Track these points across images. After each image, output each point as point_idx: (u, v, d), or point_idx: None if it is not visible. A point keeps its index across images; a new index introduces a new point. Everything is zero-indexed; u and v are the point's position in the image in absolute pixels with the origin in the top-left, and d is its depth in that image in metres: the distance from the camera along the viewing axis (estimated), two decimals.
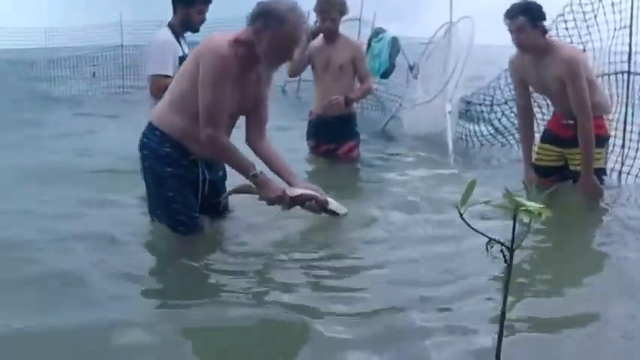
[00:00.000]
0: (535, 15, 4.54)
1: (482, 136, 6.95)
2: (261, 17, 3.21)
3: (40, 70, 14.20)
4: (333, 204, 3.64)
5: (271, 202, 3.42)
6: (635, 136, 5.52)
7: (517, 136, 6.63)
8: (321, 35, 5.72)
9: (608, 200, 4.64)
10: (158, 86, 4.22)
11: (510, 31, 4.59)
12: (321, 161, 5.76)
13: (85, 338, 2.53)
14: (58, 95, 12.67)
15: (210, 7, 4.56)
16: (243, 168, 3.36)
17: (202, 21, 4.58)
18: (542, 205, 1.89)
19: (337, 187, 4.46)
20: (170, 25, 4.53)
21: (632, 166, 5.41)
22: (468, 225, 1.90)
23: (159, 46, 4.47)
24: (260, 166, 3.51)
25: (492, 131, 6.90)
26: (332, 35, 5.62)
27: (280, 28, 3.17)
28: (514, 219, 1.91)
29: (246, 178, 3.37)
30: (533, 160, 4.89)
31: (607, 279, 3.19)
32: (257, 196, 3.45)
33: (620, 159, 5.39)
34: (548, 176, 4.74)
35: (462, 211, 1.87)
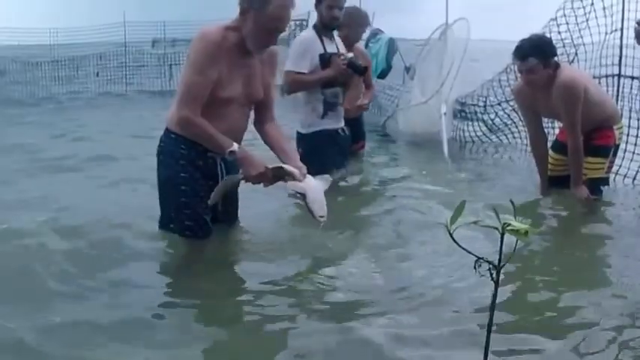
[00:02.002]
0: (547, 54, 4.41)
1: (477, 136, 7.08)
2: None
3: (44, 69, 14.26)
4: (314, 197, 3.29)
5: (254, 180, 3.27)
6: (624, 137, 5.66)
7: (510, 136, 6.82)
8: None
9: (599, 205, 4.75)
10: (290, 82, 4.77)
11: (520, 70, 4.50)
12: None
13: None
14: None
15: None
16: (220, 147, 3.25)
17: (333, 17, 4.77)
18: (527, 225, 2.04)
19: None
20: (315, 25, 4.85)
21: (620, 166, 5.55)
22: (458, 244, 2.02)
23: (296, 44, 4.86)
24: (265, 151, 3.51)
25: (486, 131, 7.03)
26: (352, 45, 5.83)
27: (264, 8, 3.16)
28: (501, 238, 2.04)
29: (225, 156, 3.27)
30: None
31: (594, 290, 3.23)
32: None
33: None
34: (560, 185, 4.80)
35: (451, 231, 1.99)
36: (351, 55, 4.86)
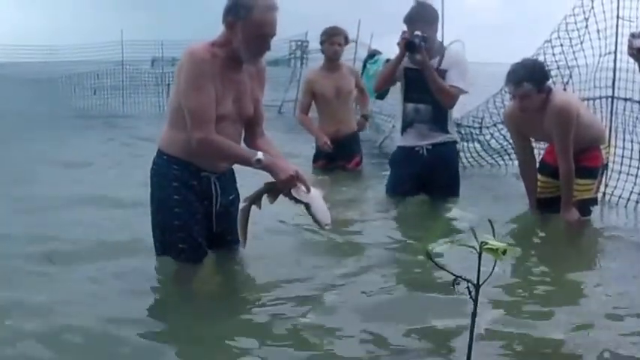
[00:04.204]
0: (540, 79, 4.42)
1: (472, 157, 7.10)
2: (229, 11, 3.22)
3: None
4: (318, 206, 3.31)
5: (284, 184, 3.22)
6: (618, 158, 5.70)
7: (505, 157, 6.84)
8: (322, 64, 6.46)
9: (589, 225, 4.77)
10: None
11: (513, 95, 4.50)
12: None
13: None
14: None
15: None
16: (245, 158, 3.26)
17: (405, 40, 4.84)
18: (505, 244, 2.06)
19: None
20: None
21: (615, 187, 5.60)
22: (435, 263, 2.04)
23: None
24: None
25: (481, 151, 7.07)
26: (336, 62, 6.35)
27: (250, 15, 3.16)
28: (479, 257, 2.06)
29: (252, 166, 3.24)
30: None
31: (579, 311, 3.21)
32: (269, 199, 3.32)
33: (603, 180, 5.52)
34: (548, 207, 4.80)
35: (428, 249, 2.02)
36: (417, 33, 4.79)
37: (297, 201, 3.28)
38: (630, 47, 4.03)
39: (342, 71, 6.42)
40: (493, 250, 2.02)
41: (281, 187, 3.25)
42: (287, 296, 3.33)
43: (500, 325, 2.95)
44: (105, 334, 2.85)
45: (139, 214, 4.33)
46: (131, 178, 5.83)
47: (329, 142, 6.32)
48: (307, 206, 3.28)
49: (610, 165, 5.52)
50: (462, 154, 7.25)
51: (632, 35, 4.05)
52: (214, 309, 3.21)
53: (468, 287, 2.05)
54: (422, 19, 4.87)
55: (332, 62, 6.38)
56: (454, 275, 2.05)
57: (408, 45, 4.75)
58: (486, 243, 2.02)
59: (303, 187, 3.25)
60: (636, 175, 5.60)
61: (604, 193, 5.51)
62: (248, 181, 3.64)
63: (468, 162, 7.13)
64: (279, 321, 3.03)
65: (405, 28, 4.91)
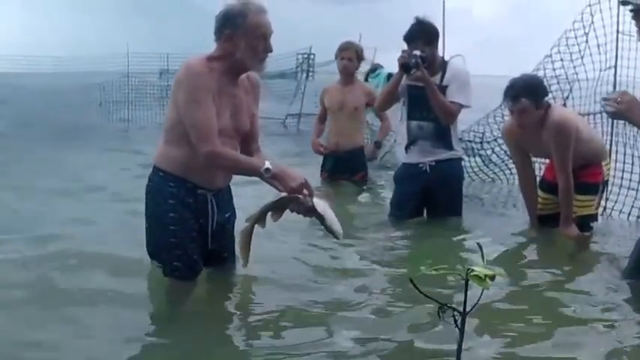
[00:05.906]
0: (539, 94, 4.40)
1: (473, 171, 7.09)
2: (225, 25, 3.27)
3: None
4: (331, 217, 3.29)
5: (295, 192, 3.20)
6: (619, 173, 5.69)
7: (507, 172, 6.82)
8: (338, 78, 6.62)
9: (589, 242, 4.74)
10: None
11: (511, 111, 4.49)
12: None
13: None
14: None
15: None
16: (254, 168, 3.24)
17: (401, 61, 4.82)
18: (491, 271, 2.04)
19: None
20: None
21: (615, 201, 5.57)
22: (419, 291, 2.03)
23: None
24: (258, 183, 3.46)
25: (482, 166, 7.05)
26: (348, 76, 6.48)
27: (246, 21, 3.22)
28: (465, 284, 2.04)
29: (262, 177, 3.22)
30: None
31: (575, 337, 3.13)
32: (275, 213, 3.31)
33: (604, 195, 5.49)
34: (549, 224, 4.77)
35: (413, 279, 2.01)
36: (416, 52, 4.76)
37: (311, 214, 3.25)
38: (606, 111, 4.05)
39: (353, 87, 6.51)
40: (479, 278, 2.01)
41: (293, 193, 3.21)
42: (279, 316, 3.31)
43: (489, 354, 2.90)
44: (95, 352, 2.85)
45: (134, 229, 4.35)
46: (134, 190, 5.82)
47: (321, 148, 6.54)
48: (322, 218, 3.26)
49: (610, 179, 5.48)
50: (463, 168, 7.25)
51: (604, 99, 4.06)
52: (207, 327, 3.19)
53: (453, 315, 2.03)
54: (421, 37, 4.87)
55: (344, 76, 6.51)
56: (439, 303, 2.04)
57: (404, 67, 4.77)
58: (472, 270, 2.01)
59: (308, 198, 3.23)
60: (637, 190, 5.58)
61: (604, 208, 5.49)
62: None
63: (470, 177, 7.11)
64: (270, 339, 3.04)
65: (405, 46, 4.91)
